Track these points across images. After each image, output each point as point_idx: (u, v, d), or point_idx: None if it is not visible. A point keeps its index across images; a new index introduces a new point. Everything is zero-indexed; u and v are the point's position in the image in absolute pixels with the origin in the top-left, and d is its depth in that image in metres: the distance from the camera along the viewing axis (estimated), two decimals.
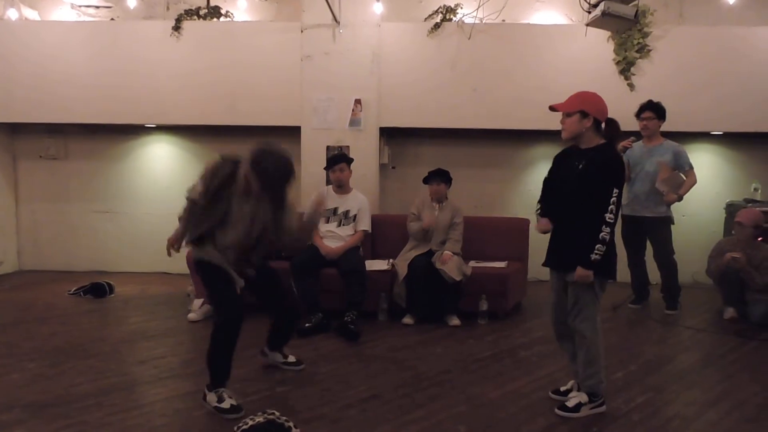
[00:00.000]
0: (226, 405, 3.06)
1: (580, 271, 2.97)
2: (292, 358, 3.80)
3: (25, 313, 4.97)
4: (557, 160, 3.26)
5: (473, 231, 5.17)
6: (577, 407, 3.09)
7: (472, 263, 4.99)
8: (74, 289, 5.65)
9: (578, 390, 3.20)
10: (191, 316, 4.82)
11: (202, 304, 4.87)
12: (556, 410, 3.12)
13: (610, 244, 2.97)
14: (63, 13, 6.49)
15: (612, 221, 2.93)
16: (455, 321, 4.75)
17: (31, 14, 6.37)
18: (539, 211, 3.31)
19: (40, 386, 3.43)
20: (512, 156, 6.42)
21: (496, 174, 6.43)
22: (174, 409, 3.17)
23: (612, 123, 3.17)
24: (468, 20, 5.81)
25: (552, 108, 3.14)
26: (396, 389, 3.44)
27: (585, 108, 3.03)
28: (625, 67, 5.74)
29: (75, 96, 5.99)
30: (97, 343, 4.23)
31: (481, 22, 5.79)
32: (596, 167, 2.98)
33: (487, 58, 5.81)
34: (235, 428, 2.67)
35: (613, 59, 5.76)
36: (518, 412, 3.16)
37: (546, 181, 3.31)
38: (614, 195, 2.92)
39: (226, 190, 3.16)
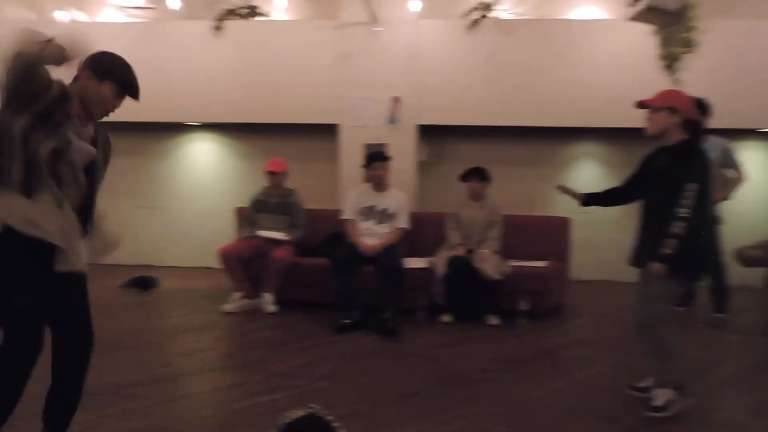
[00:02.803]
0: None
1: (654, 266, 2.96)
2: None
3: None
4: (644, 162, 3.24)
5: (513, 230, 5.12)
6: (665, 405, 3.03)
7: (512, 262, 4.95)
8: (121, 282, 5.82)
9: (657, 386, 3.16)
10: (226, 307, 4.91)
11: (240, 297, 4.96)
12: (646, 413, 3.05)
13: (691, 243, 2.91)
14: (109, 14, 6.68)
15: (687, 217, 2.88)
16: (494, 320, 4.72)
17: (79, 16, 6.57)
18: (583, 198, 3.39)
19: (91, 375, 3.51)
20: (552, 153, 6.34)
21: (535, 172, 6.35)
22: (216, 401, 3.23)
23: (699, 117, 3.15)
24: (506, 16, 5.75)
25: (640, 104, 3.10)
26: (434, 387, 3.44)
27: (674, 104, 3.02)
28: (671, 63, 5.58)
29: None
30: (143, 335, 4.35)
31: (519, 18, 5.73)
32: (676, 162, 2.97)
33: (525, 54, 5.74)
34: (278, 422, 2.71)
35: (658, 54, 5.62)
36: (559, 414, 3.12)
37: (627, 179, 3.32)
38: (690, 190, 2.88)
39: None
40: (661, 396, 3.06)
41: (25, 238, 2.23)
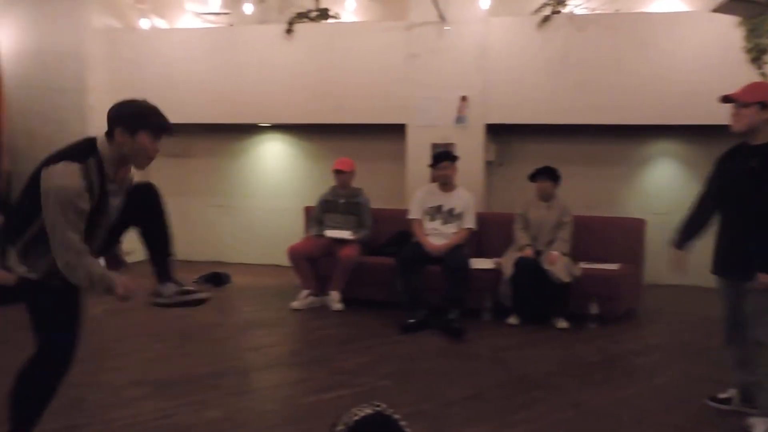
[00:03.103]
0: None
1: (762, 278, 2.73)
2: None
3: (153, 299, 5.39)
4: (720, 163, 3.04)
5: (584, 231, 4.98)
6: None
7: (582, 264, 4.81)
8: (195, 277, 6.07)
9: (742, 400, 3.01)
10: (294, 304, 5.03)
11: (308, 295, 5.07)
12: None
13: None
14: (187, 21, 6.97)
15: None
16: (562, 323, 4.60)
17: (159, 23, 6.90)
18: (675, 241, 3.12)
19: (166, 365, 3.73)
20: (627, 152, 6.10)
21: (609, 171, 6.14)
22: (283, 396, 3.32)
23: None
24: (579, 11, 5.58)
25: (726, 98, 2.87)
26: (499, 389, 3.40)
27: (765, 99, 2.79)
28: (757, 55, 5.26)
29: (197, 98, 6.42)
30: (215, 329, 4.52)
31: (593, 12, 5.55)
32: None
33: (600, 49, 5.55)
34: (344, 418, 2.75)
35: (743, 47, 5.31)
36: (627, 423, 3.01)
37: (702, 196, 3.09)
38: None
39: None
40: (761, 426, 2.83)
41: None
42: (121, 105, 2.42)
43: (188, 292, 2.81)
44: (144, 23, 6.74)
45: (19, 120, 6.25)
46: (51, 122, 6.28)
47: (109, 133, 2.36)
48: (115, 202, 2.47)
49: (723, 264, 2.99)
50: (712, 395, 3.17)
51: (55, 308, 2.42)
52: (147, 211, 2.67)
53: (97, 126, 2.97)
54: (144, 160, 2.46)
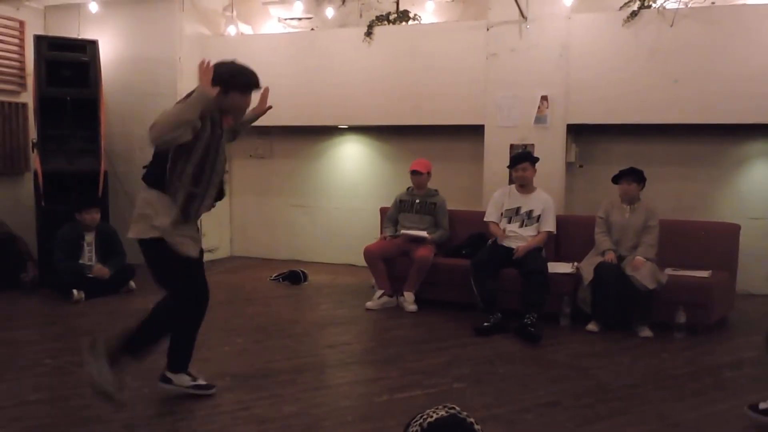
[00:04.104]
0: (202, 381, 3.22)
1: None
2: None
3: (235, 294, 5.61)
4: None
5: (671, 235, 4.74)
6: None
7: (669, 271, 4.58)
8: (274, 275, 6.26)
9: None
10: (368, 304, 5.08)
11: (382, 295, 5.10)
12: None
13: None
14: (271, 26, 7.20)
15: None
16: (646, 332, 4.40)
17: (245, 29, 7.16)
18: None
19: (246, 359, 3.86)
20: (720, 153, 5.75)
21: (699, 173, 5.81)
22: (357, 394, 3.36)
23: None
24: (670, 5, 5.32)
25: None
26: (577, 398, 3.29)
27: None
28: None
29: (280, 101, 6.54)
30: (292, 325, 4.64)
31: (686, 6, 5.27)
32: None
33: (692, 45, 5.27)
34: (418, 418, 2.75)
35: None
36: None
37: None
38: None
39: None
40: None
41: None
42: (216, 65, 2.85)
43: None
44: (231, 30, 7.01)
45: (117, 123, 6.67)
46: (146, 125, 6.62)
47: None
48: (222, 148, 2.98)
49: None
50: (751, 404, 2.95)
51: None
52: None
53: None
54: (239, 113, 3.03)
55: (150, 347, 2.99)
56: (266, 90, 3.20)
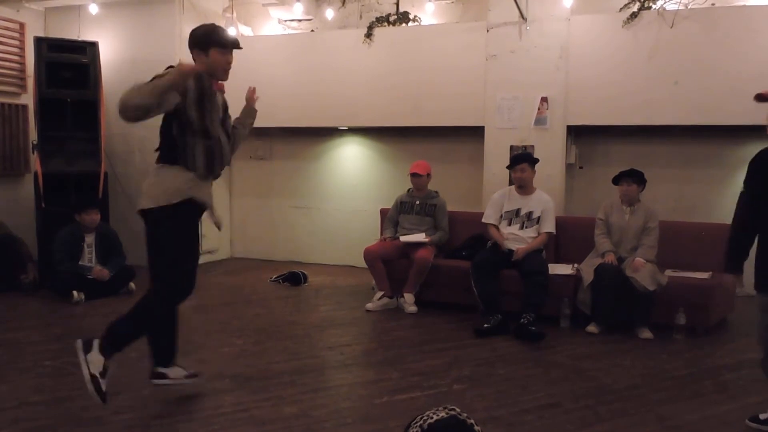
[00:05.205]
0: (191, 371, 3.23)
1: None
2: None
3: (235, 295, 5.61)
4: (759, 169, 2.84)
5: (671, 237, 4.74)
6: None
7: (669, 272, 4.58)
8: (274, 276, 6.26)
9: None
10: (368, 305, 5.08)
11: (382, 296, 5.10)
12: None
13: None
14: (271, 28, 7.20)
15: None
16: (646, 334, 4.40)
17: (245, 31, 7.17)
18: (731, 265, 3.02)
19: (245, 361, 3.86)
20: (719, 154, 5.75)
21: (698, 174, 5.81)
22: (358, 395, 3.36)
23: None
24: (670, 7, 5.32)
25: (761, 97, 2.70)
26: (577, 399, 3.29)
27: None
28: None
29: (280, 102, 6.61)
30: (292, 327, 4.64)
31: (686, 7, 5.28)
32: None
33: (692, 46, 5.27)
34: (418, 420, 2.74)
35: None
36: None
37: (751, 205, 2.91)
38: None
39: None
40: None
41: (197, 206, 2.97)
42: (191, 32, 2.99)
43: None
44: (231, 31, 7.01)
45: (117, 125, 6.66)
46: (145, 126, 6.54)
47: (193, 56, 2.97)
48: (217, 106, 3.05)
49: (761, 277, 2.83)
50: (752, 415, 2.96)
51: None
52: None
53: None
54: (222, 72, 3.02)
55: (132, 340, 2.97)
56: (252, 89, 3.48)
